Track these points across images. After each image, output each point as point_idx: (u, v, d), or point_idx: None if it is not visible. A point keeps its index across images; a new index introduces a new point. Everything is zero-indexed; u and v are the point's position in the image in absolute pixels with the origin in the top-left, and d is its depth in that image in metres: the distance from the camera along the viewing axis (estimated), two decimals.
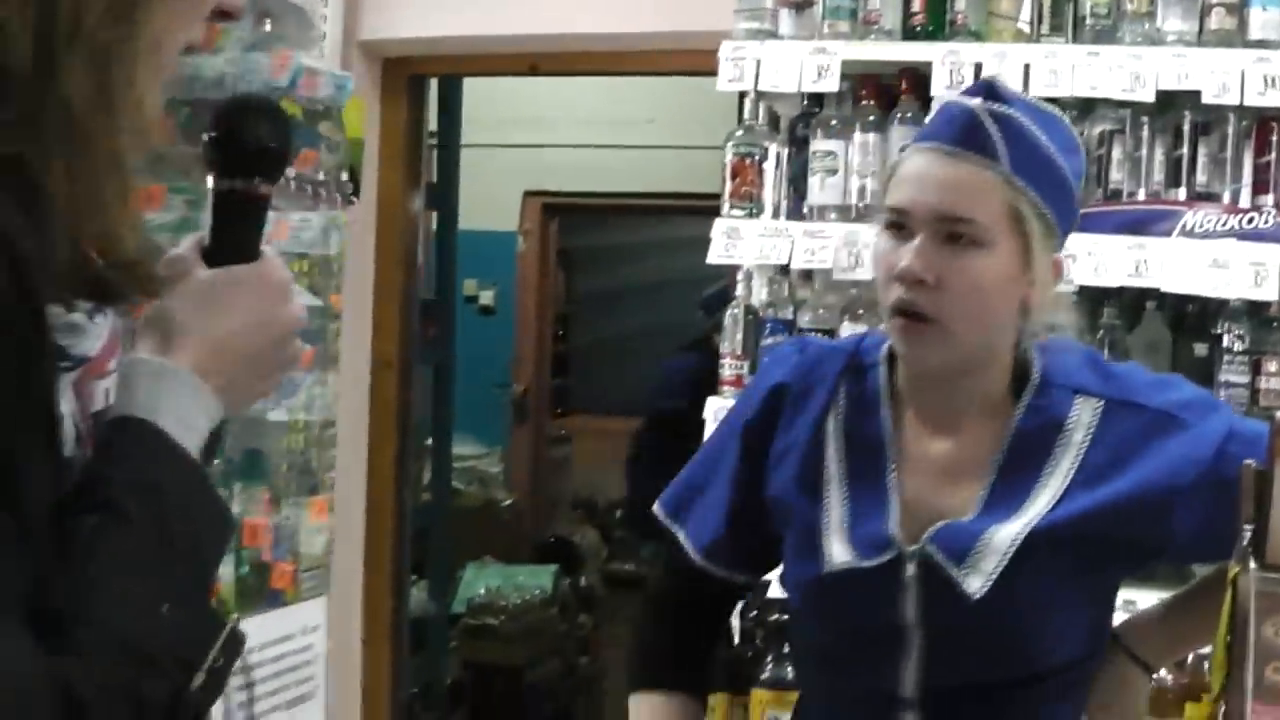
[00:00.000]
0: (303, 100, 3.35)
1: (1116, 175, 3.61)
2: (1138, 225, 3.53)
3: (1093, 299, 3.61)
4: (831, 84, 3.72)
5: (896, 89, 3.79)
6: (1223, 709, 1.66)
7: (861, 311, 3.65)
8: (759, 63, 3.77)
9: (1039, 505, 1.99)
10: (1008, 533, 1.97)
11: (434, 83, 5.57)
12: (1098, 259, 3.48)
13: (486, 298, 9.76)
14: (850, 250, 3.64)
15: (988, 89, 1.99)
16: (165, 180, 2.53)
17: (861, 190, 3.75)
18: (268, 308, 1.37)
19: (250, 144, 1.38)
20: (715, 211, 3.83)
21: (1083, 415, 2.01)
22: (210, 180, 1.38)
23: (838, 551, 2.04)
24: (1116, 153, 3.61)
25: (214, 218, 1.38)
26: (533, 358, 9.93)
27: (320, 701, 3.60)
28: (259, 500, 3.10)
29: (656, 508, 2.27)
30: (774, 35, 3.84)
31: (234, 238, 1.38)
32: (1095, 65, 3.53)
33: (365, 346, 4.99)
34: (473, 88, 7.01)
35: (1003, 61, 3.56)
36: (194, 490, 1.28)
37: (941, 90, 3.62)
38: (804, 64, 3.73)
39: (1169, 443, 1.98)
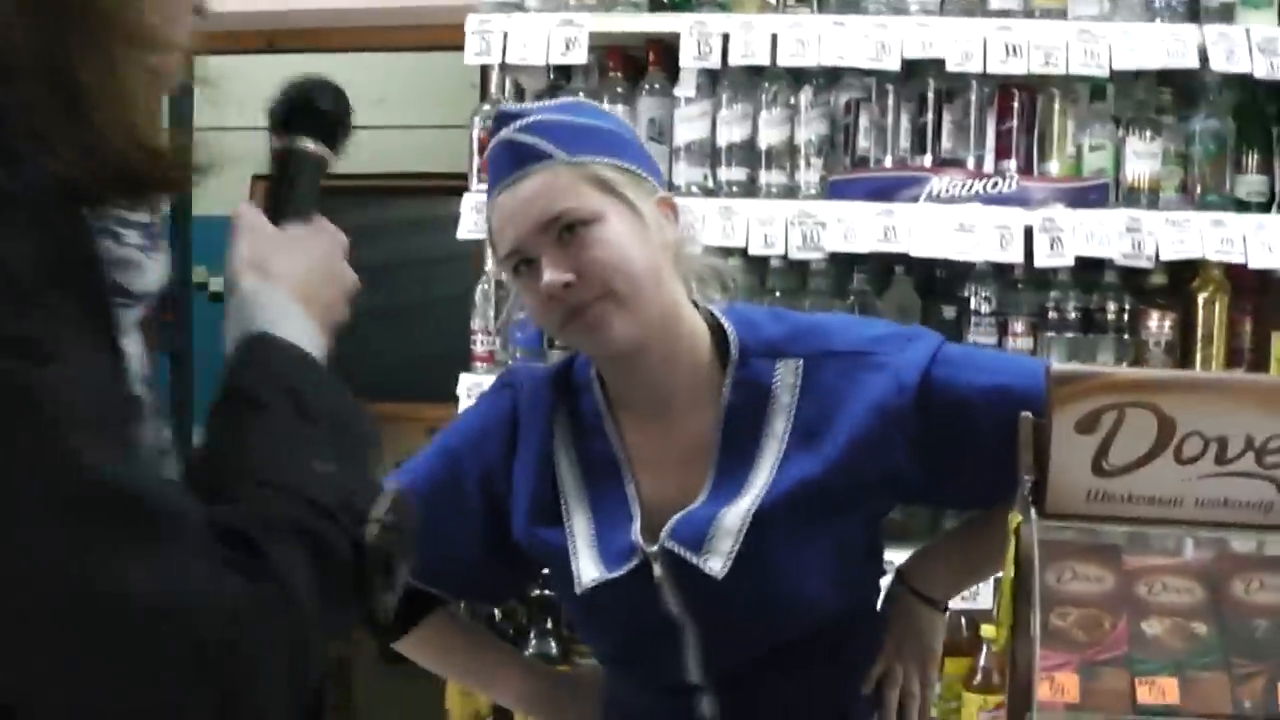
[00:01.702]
0: None
1: (864, 143, 3.68)
2: (886, 192, 3.60)
3: (843, 265, 3.67)
4: (579, 56, 3.70)
5: (644, 60, 3.80)
6: (1010, 654, 1.70)
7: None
8: (506, 35, 3.73)
9: (763, 476, 2.01)
10: (737, 510, 2.00)
11: None
12: (847, 225, 3.54)
13: (217, 284, 9.54)
14: None
15: (501, 117, 2.05)
16: None
17: None
18: (336, 257, 1.47)
19: (322, 108, 1.49)
20: (450, 191, 3.81)
21: (785, 377, 2.04)
22: (276, 141, 1.47)
23: (587, 569, 2.05)
24: (863, 121, 3.68)
25: (280, 177, 1.47)
26: None
27: None
28: None
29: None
30: (520, 8, 3.81)
31: (297, 196, 1.46)
32: (841, 34, 3.57)
33: None
34: (201, 68, 6.81)
35: (749, 31, 3.60)
36: (322, 379, 1.34)
37: (690, 61, 3.65)
38: (551, 36, 3.71)
39: (870, 380, 2.01)
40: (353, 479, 1.28)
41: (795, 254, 3.60)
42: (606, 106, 3.68)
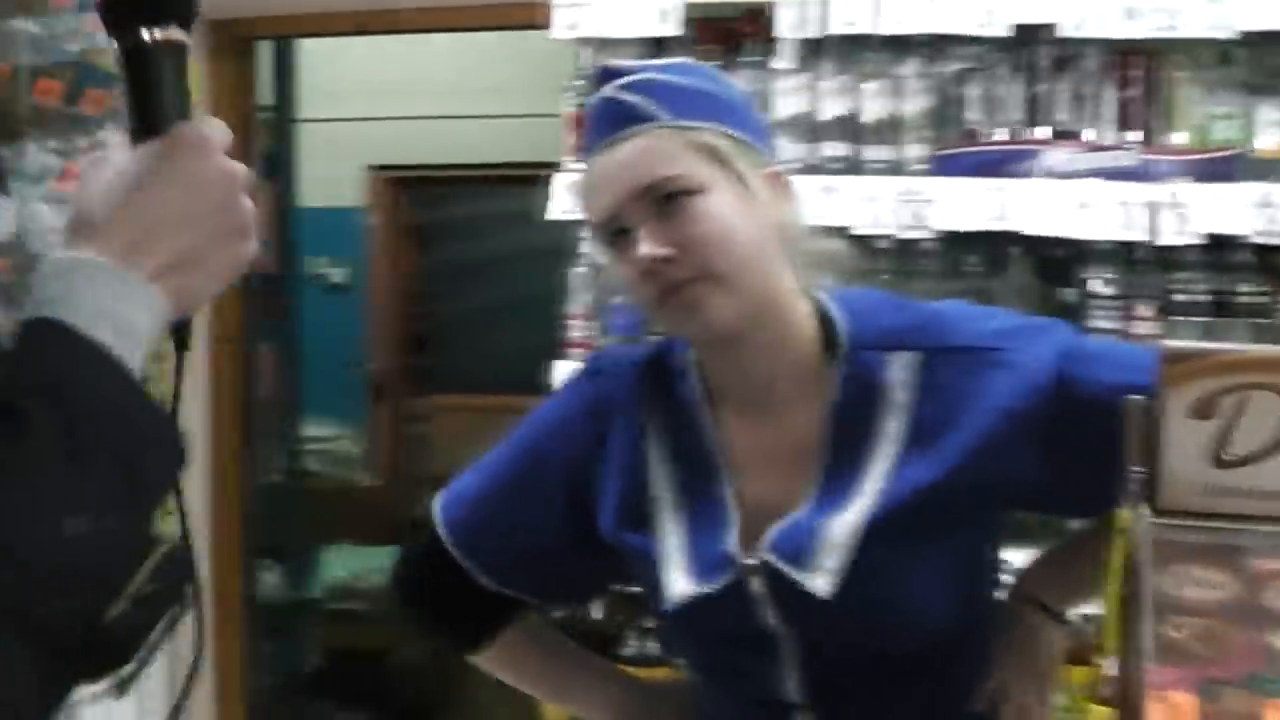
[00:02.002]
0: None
1: (972, 116, 3.47)
2: (996, 167, 3.38)
3: (954, 246, 3.47)
4: (674, 27, 3.55)
5: (739, 32, 3.62)
6: (1116, 670, 1.51)
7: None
8: (595, 9, 3.58)
9: (874, 482, 1.84)
10: (846, 521, 1.82)
11: (267, 50, 5.33)
12: (955, 203, 3.33)
13: (337, 275, 9.50)
14: None
15: (604, 73, 1.91)
16: None
17: None
18: (195, 169, 1.18)
19: None
20: None
21: (901, 373, 1.86)
22: (116, 44, 1.22)
23: (677, 581, 1.89)
24: (972, 92, 3.46)
25: (129, 87, 1.21)
26: (388, 336, 9.69)
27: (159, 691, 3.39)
28: None
29: (442, 532, 2.09)
30: None
31: (155, 102, 1.21)
32: (947, 0, 3.37)
33: (203, 323, 4.75)
34: (311, 58, 6.76)
35: None
36: (115, 390, 1.10)
37: (787, 31, 3.47)
38: (643, 8, 3.55)
39: (996, 378, 1.83)
40: (112, 539, 1.07)
41: (901, 234, 3.40)
42: None
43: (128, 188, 1.16)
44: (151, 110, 1.21)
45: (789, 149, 3.52)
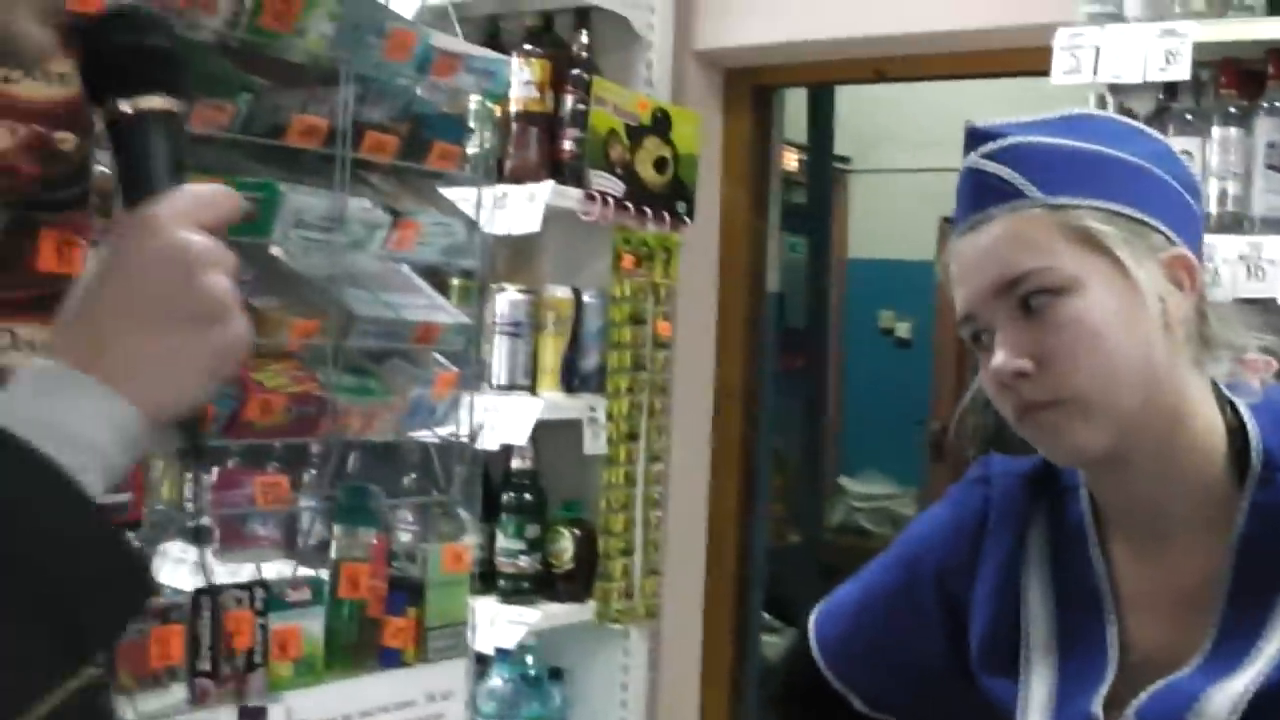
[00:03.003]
0: (439, 88, 3.00)
1: None
2: None
3: None
4: (1182, 71, 3.20)
5: (1263, 74, 3.23)
6: None
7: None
8: (1098, 50, 3.28)
9: (1275, 643, 1.49)
10: (1231, 690, 1.49)
11: (802, 97, 5.21)
12: None
13: (903, 330, 9.37)
14: (1207, 266, 3.09)
15: (971, 135, 1.60)
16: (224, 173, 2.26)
17: (1221, 195, 3.23)
18: (141, 252, 1.06)
19: (112, 53, 1.14)
20: None
21: None
22: (98, 112, 1.16)
23: None
24: None
25: (114, 159, 1.16)
26: (953, 393, 9.46)
27: None
28: (362, 544, 2.74)
29: (815, 649, 1.89)
30: (1119, 18, 3.34)
31: (138, 175, 1.14)
32: None
33: (707, 376, 4.66)
34: (881, 107, 6.62)
35: None
36: (47, 507, 0.96)
37: None
38: (1149, 49, 3.22)
39: None
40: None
41: None
42: (1217, 130, 3.19)
43: (86, 283, 1.05)
44: (135, 184, 1.13)
45: None
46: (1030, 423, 1.55)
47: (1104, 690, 1.58)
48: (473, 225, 2.96)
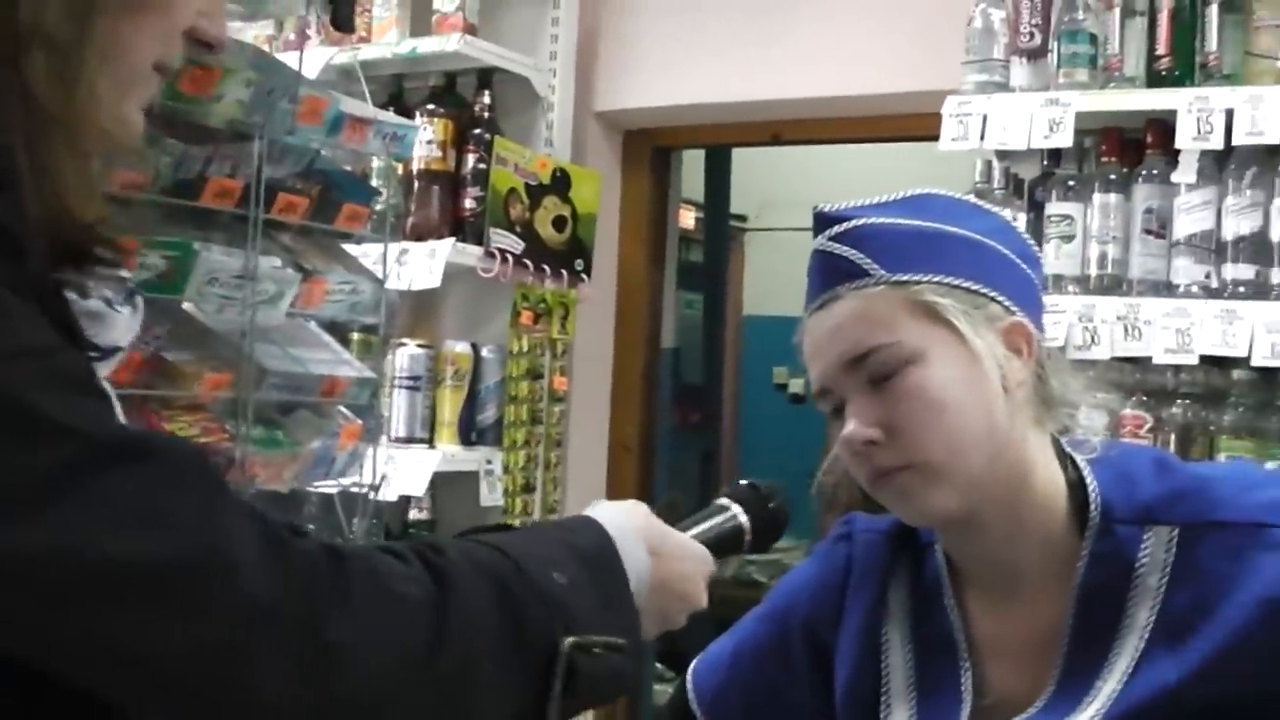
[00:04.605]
0: (346, 153, 3.10)
1: None
2: None
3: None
4: (1065, 139, 3.31)
5: (1142, 143, 3.36)
6: None
7: (1112, 399, 3.22)
8: (985, 118, 3.39)
9: (1112, 682, 1.58)
10: None
11: (700, 157, 5.29)
12: None
13: (796, 385, 9.48)
14: (1087, 326, 3.23)
15: (819, 219, 1.68)
16: (142, 234, 2.30)
17: (1101, 259, 3.34)
18: (697, 582, 1.52)
19: (776, 513, 1.66)
20: None
21: (1156, 552, 1.59)
22: (734, 506, 1.64)
23: None
24: None
25: (712, 525, 1.61)
26: None
27: None
28: None
29: (692, 700, 1.96)
30: (1005, 88, 3.46)
31: (713, 539, 1.59)
32: None
33: (602, 430, 4.73)
34: (778, 167, 6.72)
35: (1258, 107, 3.10)
36: (608, 553, 1.41)
37: (1188, 142, 3.18)
38: (1034, 117, 3.34)
39: (1264, 562, 1.53)
40: (587, 604, 1.32)
41: None
42: (1098, 196, 3.31)
43: (674, 552, 1.53)
44: (706, 539, 1.61)
45: (1190, 270, 3.25)
46: (883, 487, 1.63)
47: None
48: (378, 283, 3.01)
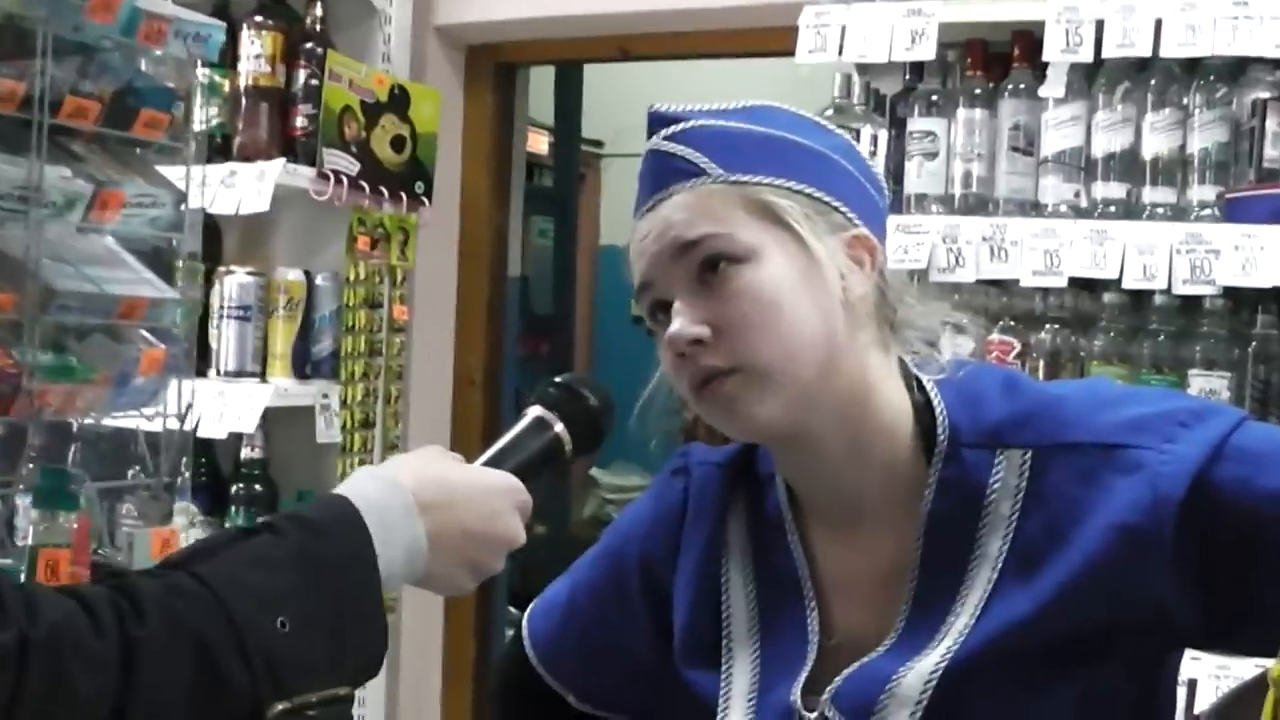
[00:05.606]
0: (162, 60, 2.87)
1: (1272, 153, 2.96)
2: None
3: (1244, 303, 2.98)
4: (928, 51, 3.16)
5: (1008, 56, 3.19)
6: None
7: (965, 321, 3.06)
8: (844, 29, 3.22)
9: (965, 616, 1.47)
10: (919, 672, 1.46)
11: (550, 79, 5.08)
12: (1248, 254, 2.84)
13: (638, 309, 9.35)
14: (951, 247, 3.07)
15: (653, 119, 1.57)
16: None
17: (966, 177, 3.19)
18: (503, 520, 1.46)
19: (596, 412, 1.58)
20: None
21: (1008, 477, 1.49)
22: (537, 409, 1.55)
23: None
24: (1272, 125, 2.96)
25: (523, 443, 1.52)
26: None
27: None
28: (61, 529, 2.52)
29: (528, 645, 1.83)
30: None
31: (520, 460, 1.51)
32: (1243, 19, 2.89)
33: (446, 362, 4.53)
34: (634, 92, 6.53)
35: (1129, 17, 2.96)
36: (356, 562, 1.33)
37: (1056, 54, 3.04)
38: (895, 28, 3.17)
39: (1118, 485, 1.42)
40: (301, 648, 1.24)
41: (1181, 288, 2.91)
42: (963, 112, 3.16)
43: (460, 497, 1.46)
44: (512, 462, 1.51)
45: (1059, 188, 3.10)
46: (708, 397, 1.49)
47: (804, 676, 1.54)
48: (180, 195, 2.78)
